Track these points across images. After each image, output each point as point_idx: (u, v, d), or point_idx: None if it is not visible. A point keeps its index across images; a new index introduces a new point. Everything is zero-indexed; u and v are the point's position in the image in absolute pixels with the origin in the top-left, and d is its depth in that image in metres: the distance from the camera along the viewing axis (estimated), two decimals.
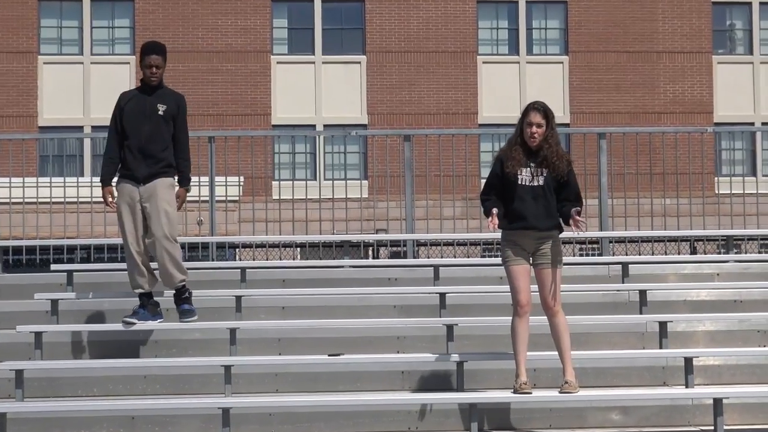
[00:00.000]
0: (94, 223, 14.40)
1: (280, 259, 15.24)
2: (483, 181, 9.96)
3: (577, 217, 9.73)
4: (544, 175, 9.79)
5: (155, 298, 11.22)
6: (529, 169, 9.79)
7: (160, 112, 10.95)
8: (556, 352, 10.05)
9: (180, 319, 11.15)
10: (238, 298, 11.77)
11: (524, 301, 9.80)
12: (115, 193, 10.99)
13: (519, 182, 9.76)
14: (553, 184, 9.82)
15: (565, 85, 37.46)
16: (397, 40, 37.23)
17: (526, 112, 9.85)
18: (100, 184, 11.04)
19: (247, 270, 12.55)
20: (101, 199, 11.21)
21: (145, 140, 10.90)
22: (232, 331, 11.13)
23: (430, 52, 37.21)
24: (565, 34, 37.93)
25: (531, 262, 9.91)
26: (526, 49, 37.88)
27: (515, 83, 37.43)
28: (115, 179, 11.03)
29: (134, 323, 10.97)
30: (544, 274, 9.86)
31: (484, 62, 37.55)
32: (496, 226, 9.77)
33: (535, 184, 9.78)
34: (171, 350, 11.39)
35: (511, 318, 9.97)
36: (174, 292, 11.18)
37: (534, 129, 9.78)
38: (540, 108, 9.83)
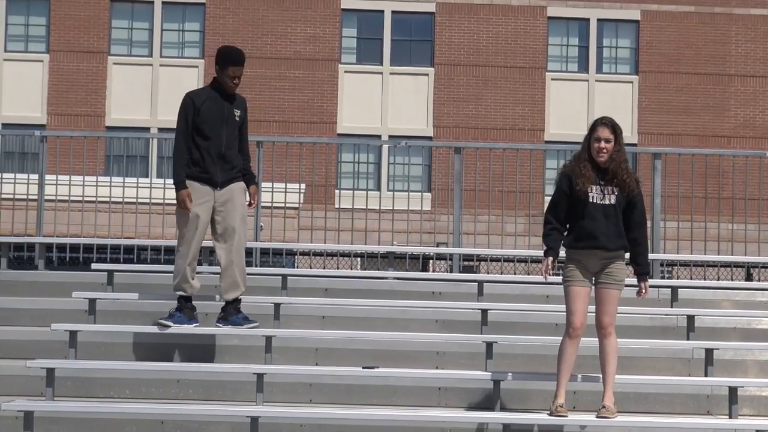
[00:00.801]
0: (140, 223, 14.28)
1: (324, 268, 15.06)
2: (545, 199, 9.70)
3: (645, 291, 9.64)
4: (615, 193, 9.54)
5: (193, 302, 11.05)
6: (599, 186, 9.53)
7: (237, 118, 10.82)
8: (598, 375, 9.79)
9: (245, 327, 10.87)
10: (277, 306, 11.57)
11: (578, 324, 9.53)
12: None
13: (590, 200, 9.49)
14: (623, 202, 9.55)
15: (634, 105, 37.05)
16: (466, 53, 37.03)
17: (594, 128, 9.60)
18: (174, 185, 10.70)
19: (288, 277, 12.35)
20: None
21: (225, 145, 10.74)
22: (268, 338, 10.92)
23: (499, 66, 36.97)
24: (635, 53, 37.54)
25: (593, 282, 9.63)
26: (596, 67, 37.54)
27: (583, 101, 37.09)
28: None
29: (169, 326, 10.80)
30: (605, 294, 9.58)
31: (552, 79, 37.26)
32: (547, 276, 9.59)
33: (607, 202, 9.52)
34: (206, 355, 11.21)
35: (559, 338, 9.73)
36: (228, 301, 10.92)
37: (602, 144, 9.52)
38: (609, 123, 9.58)
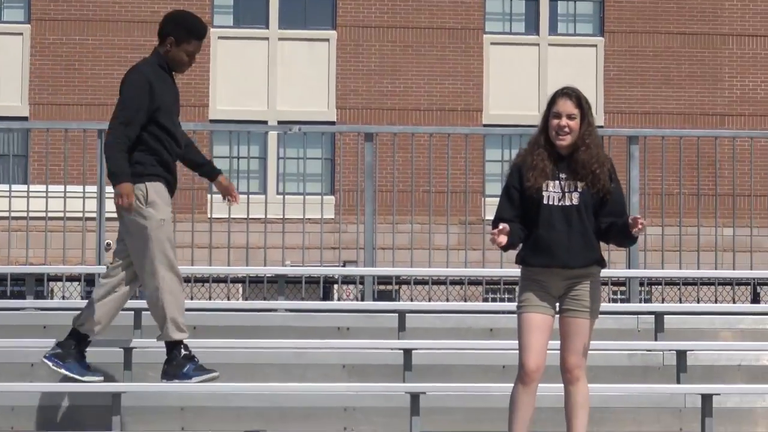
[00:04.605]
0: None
1: (192, 299, 14.82)
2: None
3: (639, 219, 9.18)
4: (579, 190, 9.36)
5: None
6: (558, 182, 9.36)
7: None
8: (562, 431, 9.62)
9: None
10: (128, 352, 11.38)
11: (533, 366, 9.32)
12: (152, 198, 10.37)
13: (544, 201, 9.33)
14: (592, 201, 9.38)
15: (599, 76, 37.29)
16: (378, 11, 37.00)
17: (552, 101, 9.49)
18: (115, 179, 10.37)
19: (143, 313, 12.03)
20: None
21: (181, 137, 10.71)
22: (116, 396, 10.74)
23: (422, 27, 37.06)
24: (600, 8, 37.76)
25: (557, 309, 9.46)
26: (549, 26, 37.73)
27: (533, 71, 37.23)
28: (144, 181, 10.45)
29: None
30: (572, 325, 9.40)
31: (492, 43, 37.40)
32: (501, 244, 9.17)
33: (567, 203, 9.35)
34: None
35: (510, 385, 9.50)
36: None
37: (564, 121, 9.37)
38: (572, 94, 9.45)
